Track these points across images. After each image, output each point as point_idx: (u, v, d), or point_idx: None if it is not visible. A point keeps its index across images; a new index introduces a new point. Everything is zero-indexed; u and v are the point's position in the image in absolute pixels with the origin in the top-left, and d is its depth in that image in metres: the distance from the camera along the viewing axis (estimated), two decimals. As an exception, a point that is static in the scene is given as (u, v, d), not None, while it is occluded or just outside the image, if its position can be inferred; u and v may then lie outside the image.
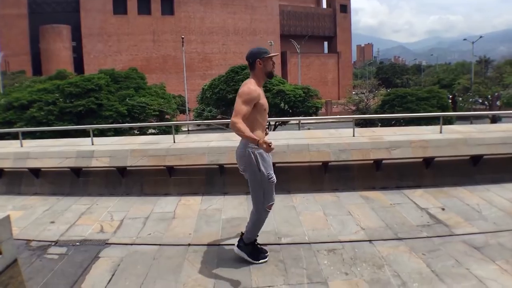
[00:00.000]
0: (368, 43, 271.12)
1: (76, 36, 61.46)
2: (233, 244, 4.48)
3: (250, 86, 3.94)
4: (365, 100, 46.82)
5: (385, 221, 5.27)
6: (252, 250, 4.28)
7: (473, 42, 54.74)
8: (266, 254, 4.35)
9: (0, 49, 53.30)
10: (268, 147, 3.61)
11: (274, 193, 4.16)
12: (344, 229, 5.09)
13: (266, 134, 4.37)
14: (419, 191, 6.41)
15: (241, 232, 4.43)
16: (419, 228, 5.01)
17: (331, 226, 5.20)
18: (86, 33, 61.79)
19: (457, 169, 6.89)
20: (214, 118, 36.00)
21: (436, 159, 6.78)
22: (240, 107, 3.82)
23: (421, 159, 6.83)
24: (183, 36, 52.71)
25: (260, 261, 4.24)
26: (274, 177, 4.10)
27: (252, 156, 3.98)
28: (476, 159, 6.88)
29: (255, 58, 4.04)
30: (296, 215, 5.64)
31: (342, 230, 5.06)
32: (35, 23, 59.22)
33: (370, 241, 4.71)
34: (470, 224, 5.10)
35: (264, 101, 4.03)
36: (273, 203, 4.19)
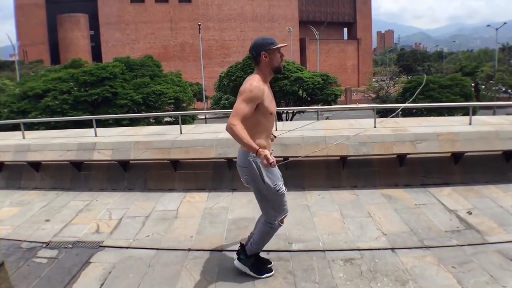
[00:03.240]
0: (389, 30, 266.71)
1: (94, 25, 61.69)
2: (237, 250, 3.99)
3: (253, 83, 3.30)
4: (386, 87, 45.76)
5: (409, 225, 4.70)
6: (255, 262, 3.73)
7: (497, 29, 52.96)
8: (271, 266, 3.82)
9: (18, 39, 53.74)
10: (267, 162, 3.04)
11: (286, 204, 3.57)
12: (363, 234, 4.53)
13: (275, 137, 3.81)
14: (447, 190, 5.79)
15: (240, 243, 3.89)
16: (448, 235, 4.42)
17: (348, 230, 4.65)
18: (103, 22, 61.97)
19: (488, 166, 6.24)
20: (231, 105, 35.56)
21: (465, 154, 6.14)
22: (239, 106, 3.20)
23: (449, 154, 6.20)
24: (199, 23, 52.25)
25: (265, 275, 3.70)
26: (283, 188, 3.50)
27: (254, 166, 3.37)
28: (509, 155, 6.21)
29: (260, 50, 3.37)
30: (310, 216, 5.11)
31: (361, 235, 4.50)
32: (53, 12, 59.65)
33: (392, 249, 4.15)
34: (505, 230, 4.49)
35: (270, 104, 3.40)
36: (286, 215, 3.62)
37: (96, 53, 60.23)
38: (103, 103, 24.63)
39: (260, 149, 3.06)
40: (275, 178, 3.44)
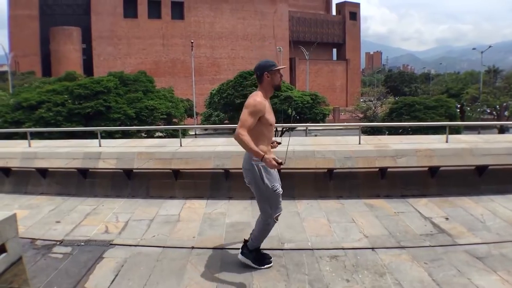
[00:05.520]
0: (377, 51, 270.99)
1: (86, 38, 61.92)
2: (237, 249, 4.54)
3: (257, 98, 3.93)
4: (373, 108, 46.76)
5: (388, 229, 5.28)
6: (256, 256, 4.32)
7: (482, 52, 54.57)
8: (271, 260, 4.38)
9: (11, 49, 53.89)
10: (273, 164, 3.67)
11: (281, 203, 4.16)
12: (347, 236, 5.10)
13: (279, 143, 4.40)
14: (423, 200, 6.41)
15: (244, 239, 4.46)
16: (422, 237, 5.01)
17: (334, 233, 5.22)
18: (96, 36, 62.32)
19: (462, 179, 6.87)
20: (221, 122, 36.09)
21: (441, 168, 6.77)
22: (245, 118, 3.81)
23: (426, 168, 6.82)
24: (192, 41, 53.02)
25: (265, 266, 4.28)
26: (280, 189, 4.09)
27: (256, 169, 3.97)
28: (481, 170, 6.86)
29: (263, 71, 4.03)
30: (300, 221, 5.66)
31: (345, 237, 5.07)
32: (46, 24, 59.82)
33: (372, 248, 4.72)
34: (474, 234, 5.09)
35: (270, 116, 4.01)
36: (280, 213, 4.20)
37: (88, 67, 60.34)
38: (96, 116, 24.99)
39: (266, 155, 3.69)
40: (273, 180, 4.03)
